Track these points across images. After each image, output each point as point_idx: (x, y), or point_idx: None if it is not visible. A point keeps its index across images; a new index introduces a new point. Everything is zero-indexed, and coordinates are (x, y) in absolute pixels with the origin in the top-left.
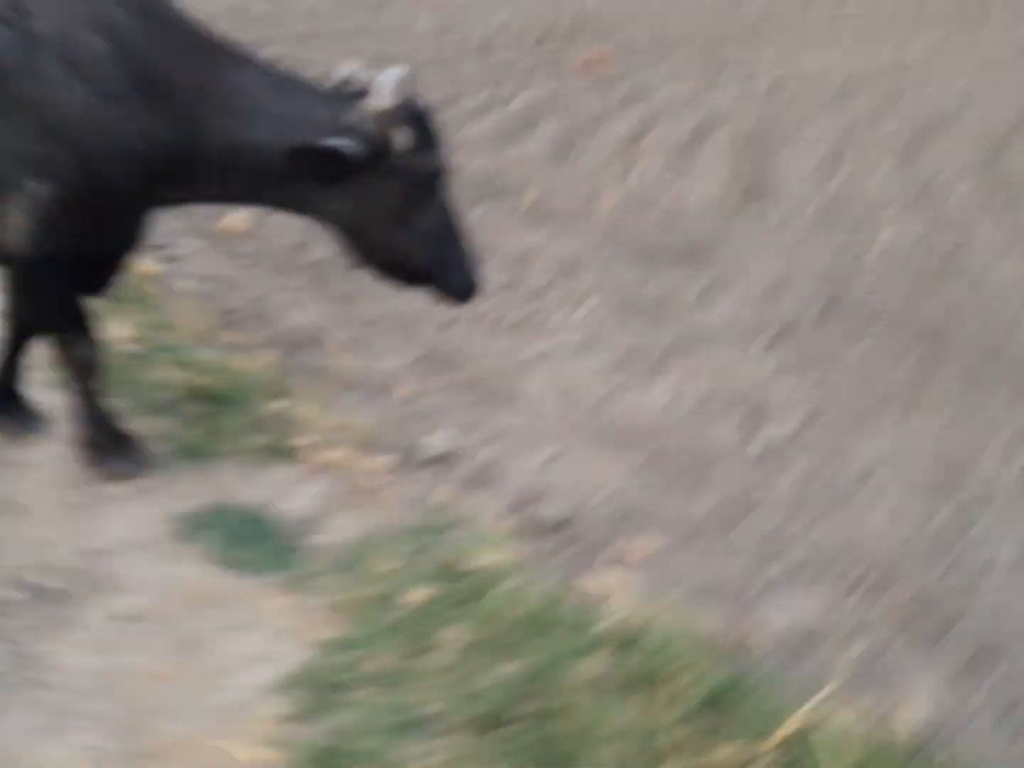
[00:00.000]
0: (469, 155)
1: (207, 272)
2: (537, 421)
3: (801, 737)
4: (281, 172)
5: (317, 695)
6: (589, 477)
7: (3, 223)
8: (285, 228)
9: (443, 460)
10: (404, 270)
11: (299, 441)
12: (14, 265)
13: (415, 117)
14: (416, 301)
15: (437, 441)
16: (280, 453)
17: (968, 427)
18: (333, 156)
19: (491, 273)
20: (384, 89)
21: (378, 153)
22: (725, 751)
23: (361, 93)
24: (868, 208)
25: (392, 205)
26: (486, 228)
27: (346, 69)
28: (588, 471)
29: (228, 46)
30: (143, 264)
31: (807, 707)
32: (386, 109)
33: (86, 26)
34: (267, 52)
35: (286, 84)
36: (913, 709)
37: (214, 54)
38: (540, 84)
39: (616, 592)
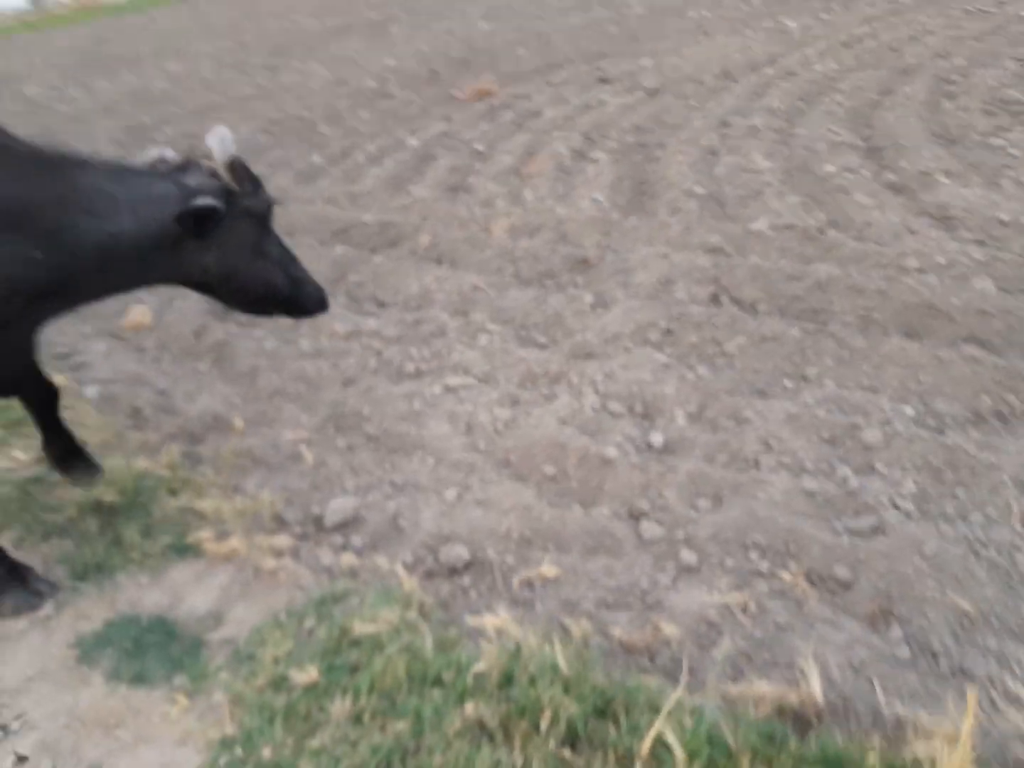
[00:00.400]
0: (366, 206)
1: (113, 373)
2: (440, 464)
3: (665, 739)
4: (156, 247)
5: None
6: (493, 510)
7: None
8: (185, 315)
9: (348, 524)
10: (272, 297)
11: (201, 534)
12: None
13: (242, 166)
14: (318, 362)
15: (341, 506)
16: (182, 550)
17: (851, 394)
18: (207, 213)
19: (393, 319)
20: (218, 148)
21: (230, 201)
22: None
23: (185, 164)
24: (745, 196)
25: (250, 241)
26: (386, 275)
27: (154, 152)
28: (491, 505)
29: (66, 155)
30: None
31: (666, 710)
32: (226, 163)
33: None
34: (167, 130)
35: (127, 173)
36: (813, 680)
37: (58, 166)
38: (431, 123)
39: (506, 626)
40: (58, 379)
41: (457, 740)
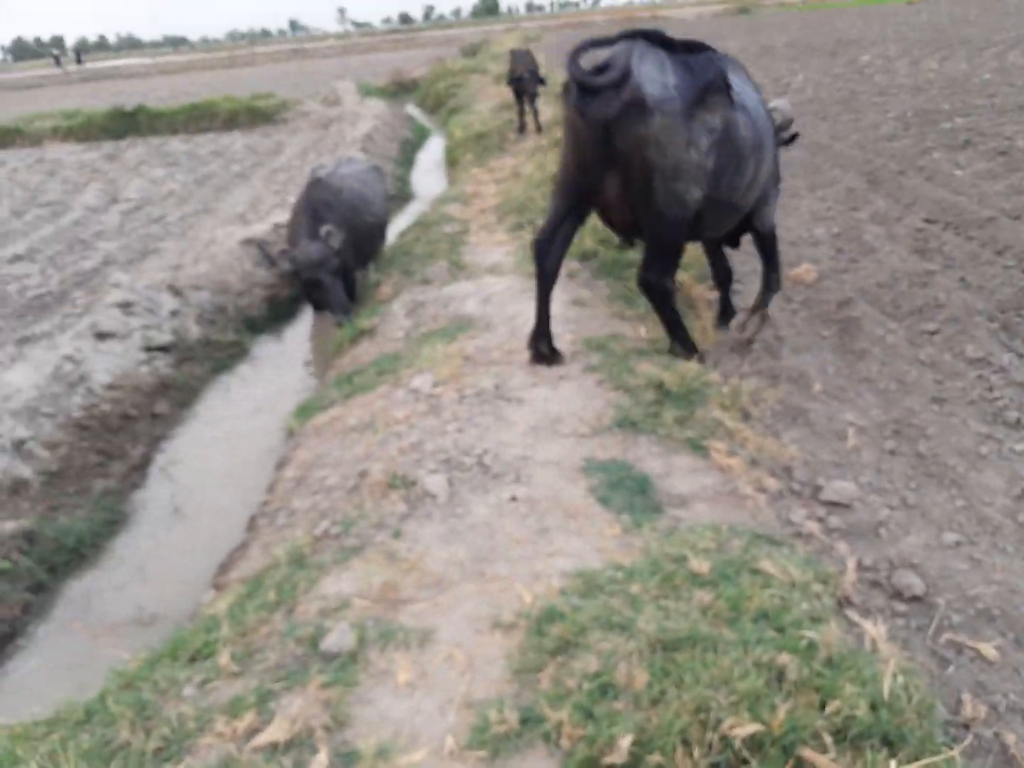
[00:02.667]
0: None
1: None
2: (968, 510)
3: None
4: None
5: (588, 589)
6: (982, 569)
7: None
8: (841, 285)
9: (838, 506)
10: None
11: (717, 443)
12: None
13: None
14: (924, 372)
15: (843, 489)
16: (696, 447)
17: None
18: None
19: None
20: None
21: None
22: None
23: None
24: None
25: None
26: None
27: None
28: (985, 567)
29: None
30: (701, 288)
31: None
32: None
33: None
34: (958, 120)
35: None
36: None
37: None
38: None
39: (880, 641)
40: (705, 292)
41: (743, 678)
